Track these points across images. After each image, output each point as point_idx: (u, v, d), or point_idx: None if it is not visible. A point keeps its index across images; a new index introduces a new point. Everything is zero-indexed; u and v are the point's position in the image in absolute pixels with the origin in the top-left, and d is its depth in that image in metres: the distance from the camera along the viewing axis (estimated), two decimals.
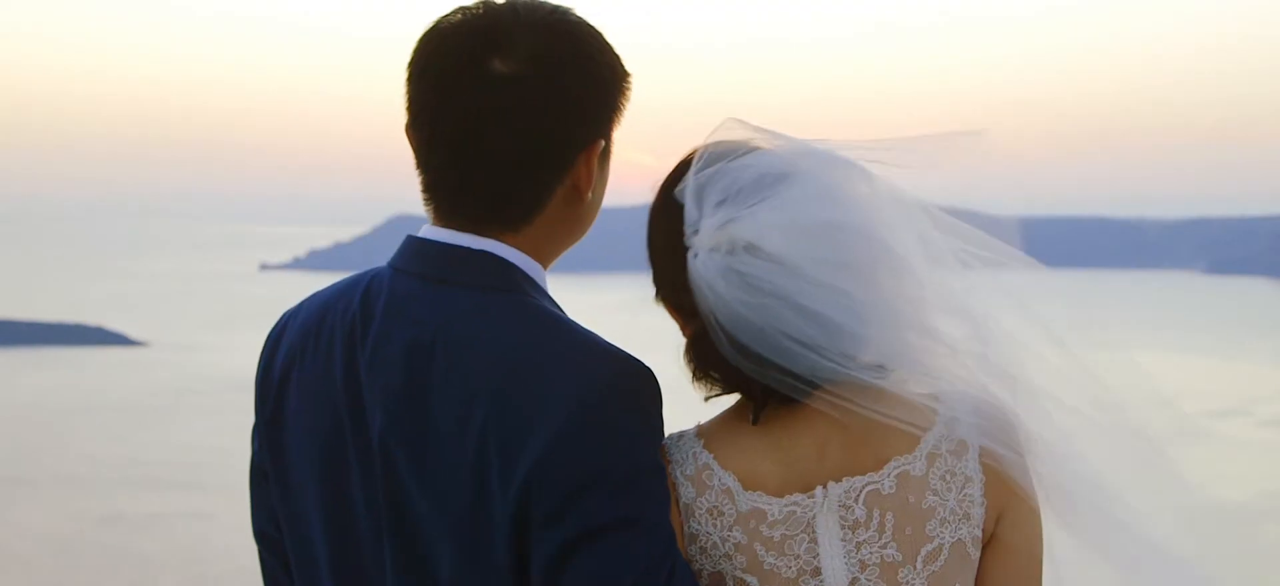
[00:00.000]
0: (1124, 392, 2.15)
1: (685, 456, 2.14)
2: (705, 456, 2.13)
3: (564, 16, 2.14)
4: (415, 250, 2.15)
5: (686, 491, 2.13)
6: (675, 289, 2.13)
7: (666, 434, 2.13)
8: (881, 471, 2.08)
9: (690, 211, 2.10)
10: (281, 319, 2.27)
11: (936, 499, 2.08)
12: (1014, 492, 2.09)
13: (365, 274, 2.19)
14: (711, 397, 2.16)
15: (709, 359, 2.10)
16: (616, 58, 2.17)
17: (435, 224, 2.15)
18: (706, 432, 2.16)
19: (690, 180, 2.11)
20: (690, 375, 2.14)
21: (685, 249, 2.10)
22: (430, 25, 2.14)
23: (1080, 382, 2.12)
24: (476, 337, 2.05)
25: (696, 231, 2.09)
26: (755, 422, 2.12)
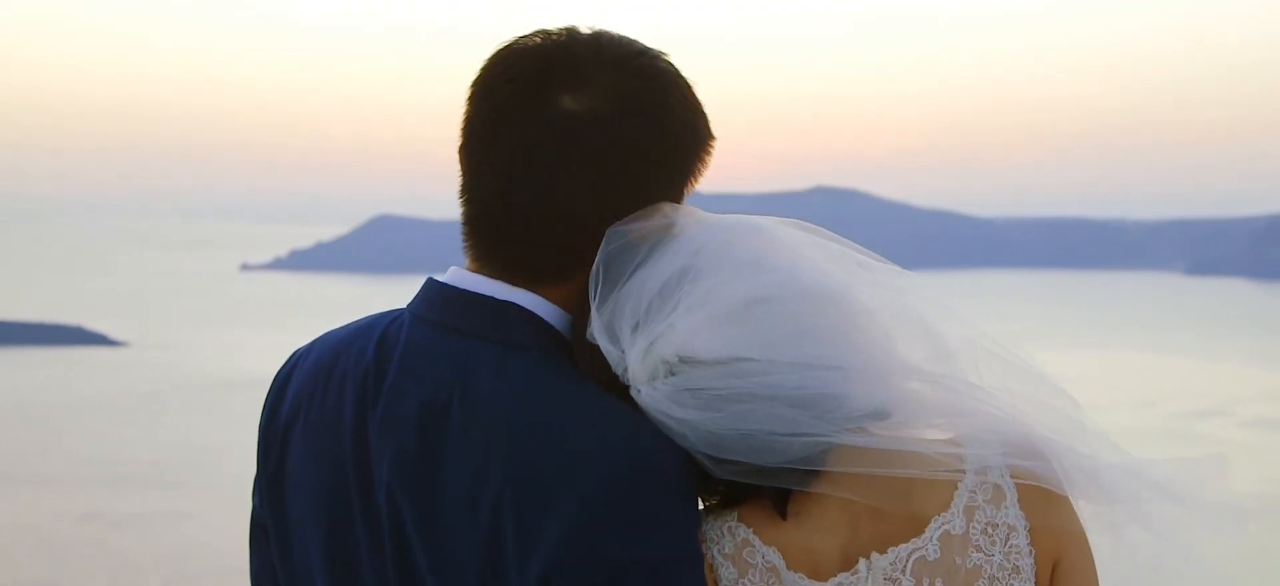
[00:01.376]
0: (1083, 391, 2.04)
1: (721, 533, 1.95)
2: (743, 531, 1.94)
3: (651, 60, 1.94)
4: (437, 296, 1.96)
5: (727, 573, 1.94)
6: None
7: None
8: (924, 534, 1.92)
9: (610, 351, 1.90)
10: (290, 359, 2.09)
11: (981, 556, 1.92)
12: (1063, 539, 1.95)
13: (382, 317, 2.01)
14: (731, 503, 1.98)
15: (705, 479, 1.91)
16: (700, 116, 1.97)
17: (468, 268, 1.96)
18: (742, 504, 1.96)
19: (594, 321, 1.91)
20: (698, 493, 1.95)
21: (626, 385, 1.91)
22: (504, 44, 1.96)
23: (1034, 381, 2.00)
24: (495, 400, 1.86)
25: (625, 369, 1.90)
26: (784, 518, 1.93)
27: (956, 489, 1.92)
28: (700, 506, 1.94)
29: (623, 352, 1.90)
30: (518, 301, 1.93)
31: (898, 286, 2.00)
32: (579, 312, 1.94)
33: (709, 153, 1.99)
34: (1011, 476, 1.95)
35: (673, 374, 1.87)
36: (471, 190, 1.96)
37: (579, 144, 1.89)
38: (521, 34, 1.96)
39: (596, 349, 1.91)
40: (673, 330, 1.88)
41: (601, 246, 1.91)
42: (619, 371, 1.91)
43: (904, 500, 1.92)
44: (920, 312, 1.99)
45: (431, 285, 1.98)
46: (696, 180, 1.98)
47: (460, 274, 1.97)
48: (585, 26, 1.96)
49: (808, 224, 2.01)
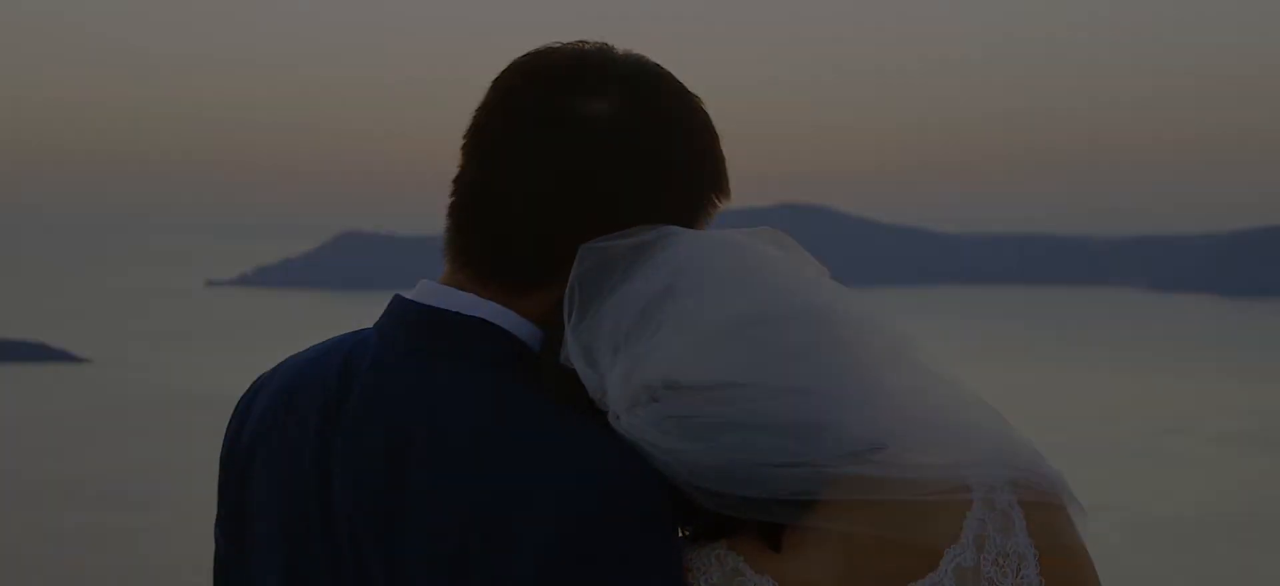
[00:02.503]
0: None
1: (708, 562, 1.81)
2: (733, 559, 1.81)
3: (671, 91, 1.89)
4: (402, 314, 1.88)
5: None
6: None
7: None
8: (938, 569, 1.80)
9: (587, 376, 1.79)
10: (252, 386, 2.01)
11: None
12: (1072, 564, 1.85)
13: (347, 338, 1.94)
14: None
15: (692, 510, 1.79)
16: (710, 168, 1.90)
17: (442, 276, 1.90)
18: (728, 532, 1.84)
19: (570, 343, 1.81)
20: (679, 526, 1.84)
21: (604, 410, 1.80)
22: (540, 46, 1.91)
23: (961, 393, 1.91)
24: (460, 426, 1.78)
25: (604, 393, 1.79)
26: (778, 551, 1.81)
27: (965, 519, 1.81)
28: (682, 535, 1.84)
29: (601, 377, 1.80)
30: (485, 316, 1.85)
31: (870, 305, 1.92)
32: (551, 329, 1.86)
33: (711, 204, 1.92)
34: (1018, 499, 1.84)
35: (655, 400, 1.77)
36: (459, 174, 1.91)
37: (565, 142, 1.84)
38: (565, 42, 1.92)
39: (572, 376, 1.82)
40: (655, 353, 1.78)
41: (576, 264, 1.83)
42: (597, 397, 1.80)
43: (910, 531, 1.81)
44: (896, 331, 1.90)
45: (397, 302, 1.90)
46: (698, 226, 1.90)
47: (427, 288, 1.90)
48: (623, 49, 1.91)
49: (783, 236, 1.94)
